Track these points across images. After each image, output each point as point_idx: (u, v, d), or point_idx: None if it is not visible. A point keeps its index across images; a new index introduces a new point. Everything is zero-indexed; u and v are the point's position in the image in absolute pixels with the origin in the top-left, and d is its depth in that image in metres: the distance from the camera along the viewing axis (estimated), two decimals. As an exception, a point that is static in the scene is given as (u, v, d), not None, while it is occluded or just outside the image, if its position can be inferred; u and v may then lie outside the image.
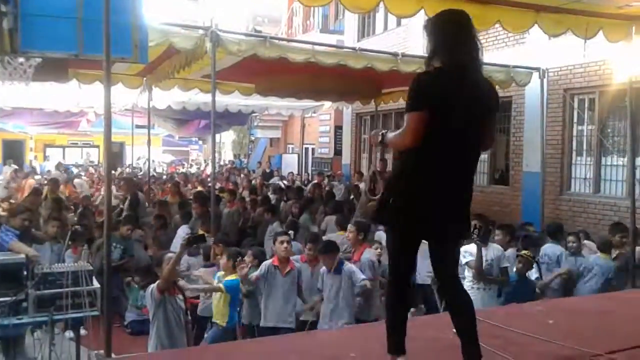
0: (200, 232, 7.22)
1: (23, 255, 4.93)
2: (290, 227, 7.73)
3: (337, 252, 5.77)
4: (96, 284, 4.80)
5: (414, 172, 2.83)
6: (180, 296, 5.00)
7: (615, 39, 6.55)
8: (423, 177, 2.79)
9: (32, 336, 4.82)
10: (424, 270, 7.00)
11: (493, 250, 6.01)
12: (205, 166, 24.11)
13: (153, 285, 4.74)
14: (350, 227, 6.43)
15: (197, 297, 6.19)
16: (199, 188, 12.93)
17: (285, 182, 15.86)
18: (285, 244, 5.68)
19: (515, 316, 4.10)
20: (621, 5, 5.98)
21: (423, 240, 2.96)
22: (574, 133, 10.17)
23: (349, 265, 5.68)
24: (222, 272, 5.71)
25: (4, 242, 5.51)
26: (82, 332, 5.07)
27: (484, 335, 3.43)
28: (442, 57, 2.82)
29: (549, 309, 4.42)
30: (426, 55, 2.92)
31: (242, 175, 17.75)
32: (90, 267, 4.95)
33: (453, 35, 2.82)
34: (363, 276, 5.62)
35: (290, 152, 23.20)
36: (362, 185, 12.31)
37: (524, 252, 6.25)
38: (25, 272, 4.73)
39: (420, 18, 6.56)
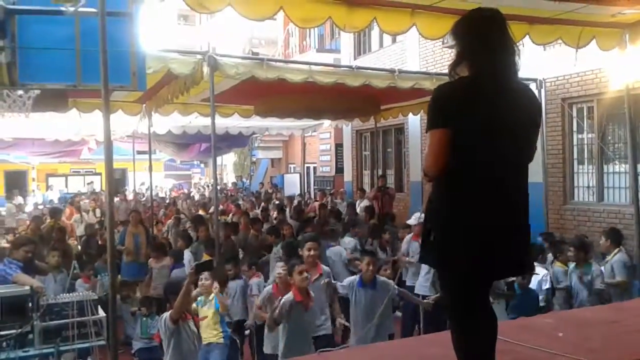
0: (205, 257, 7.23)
1: (28, 287, 4.93)
2: (286, 249, 7.34)
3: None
4: (102, 313, 4.80)
5: (450, 200, 2.41)
6: (191, 320, 4.99)
7: (608, 47, 6.58)
8: (462, 206, 2.38)
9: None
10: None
11: None
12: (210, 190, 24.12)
13: (166, 315, 4.72)
14: (311, 244, 6.02)
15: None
16: (201, 212, 12.93)
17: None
18: (305, 274, 5.27)
19: (524, 330, 4.06)
20: (614, 14, 6.01)
21: None
22: (575, 142, 10.17)
23: (381, 278, 5.68)
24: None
25: (7, 275, 5.50)
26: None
27: (493, 350, 3.41)
28: (470, 63, 2.44)
29: (557, 321, 4.38)
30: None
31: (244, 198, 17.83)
32: (95, 296, 4.95)
33: (484, 38, 2.42)
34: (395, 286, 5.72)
35: (292, 171, 23.21)
36: (363, 204, 12.31)
37: None
38: (30, 304, 4.73)
39: (415, 34, 6.61)
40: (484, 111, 2.33)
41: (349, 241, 8.68)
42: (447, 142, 2.33)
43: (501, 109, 2.36)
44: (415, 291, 7.10)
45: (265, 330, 5.45)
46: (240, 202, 15.67)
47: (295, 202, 14.98)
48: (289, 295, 5.17)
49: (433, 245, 2.47)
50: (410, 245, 7.53)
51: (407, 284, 7.55)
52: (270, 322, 5.08)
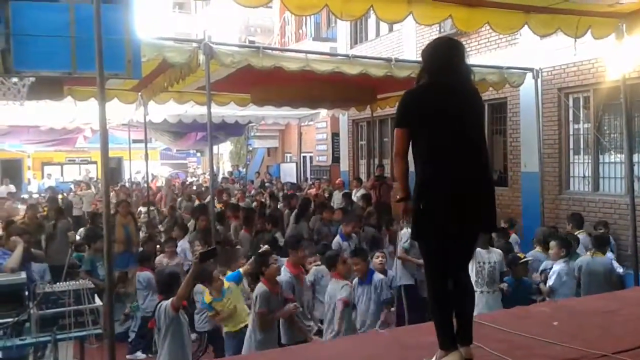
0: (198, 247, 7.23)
1: (24, 276, 4.92)
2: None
3: (367, 258, 6.00)
4: (98, 302, 4.80)
5: (426, 180, 3.07)
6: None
7: (602, 36, 6.57)
8: (433, 183, 3.04)
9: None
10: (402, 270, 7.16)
11: (494, 254, 6.05)
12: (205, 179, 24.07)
13: (167, 303, 4.75)
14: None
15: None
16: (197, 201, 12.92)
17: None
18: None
19: (519, 319, 4.08)
20: (611, 3, 5.99)
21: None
22: (571, 132, 10.17)
23: (379, 275, 5.85)
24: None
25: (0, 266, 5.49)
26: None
27: (489, 339, 3.43)
28: (428, 76, 3.22)
29: (553, 310, 4.40)
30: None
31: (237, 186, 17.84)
32: (92, 285, 4.95)
33: (438, 58, 3.20)
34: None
35: (288, 161, 23.19)
36: (359, 193, 12.30)
37: (521, 255, 6.27)
38: (27, 292, 4.72)
39: (412, 23, 6.58)
40: (436, 106, 3.09)
41: None
42: (406, 137, 3.15)
43: (448, 103, 3.08)
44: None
45: (256, 338, 5.29)
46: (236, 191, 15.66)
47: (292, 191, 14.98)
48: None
49: (416, 218, 3.10)
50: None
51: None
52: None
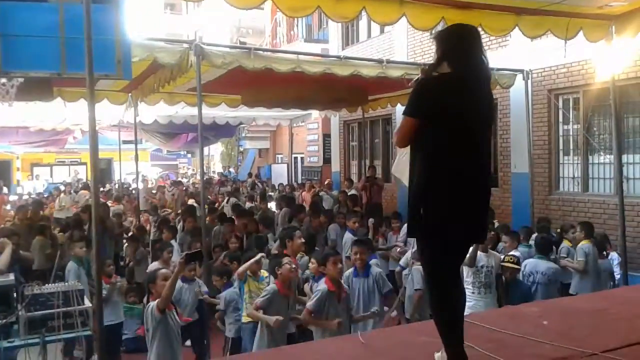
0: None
1: (12, 277, 4.88)
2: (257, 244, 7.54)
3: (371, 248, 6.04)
4: (87, 303, 4.77)
5: (428, 180, 2.87)
6: (174, 310, 4.99)
7: (595, 39, 6.62)
8: (438, 185, 2.84)
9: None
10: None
11: (493, 258, 6.07)
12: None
13: (152, 304, 4.71)
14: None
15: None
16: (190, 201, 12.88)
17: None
18: (339, 264, 5.32)
19: (509, 318, 4.09)
20: (601, 5, 6.04)
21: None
22: (560, 133, 10.24)
23: (376, 268, 5.82)
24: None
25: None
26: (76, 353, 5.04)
27: (478, 338, 3.44)
28: (452, 63, 2.89)
29: (543, 309, 4.41)
30: (433, 61, 2.97)
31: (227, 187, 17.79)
32: (81, 287, 4.92)
33: (465, 44, 2.93)
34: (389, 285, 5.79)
35: (280, 162, 23.18)
36: (350, 194, 12.32)
37: (507, 258, 6.26)
38: (15, 294, 4.68)
39: (403, 25, 6.58)
40: (450, 104, 2.82)
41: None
42: (413, 128, 2.89)
43: (462, 102, 2.83)
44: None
45: (258, 334, 5.29)
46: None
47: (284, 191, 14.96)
48: (322, 286, 5.20)
49: (421, 217, 2.87)
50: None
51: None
52: (307, 315, 5.15)
